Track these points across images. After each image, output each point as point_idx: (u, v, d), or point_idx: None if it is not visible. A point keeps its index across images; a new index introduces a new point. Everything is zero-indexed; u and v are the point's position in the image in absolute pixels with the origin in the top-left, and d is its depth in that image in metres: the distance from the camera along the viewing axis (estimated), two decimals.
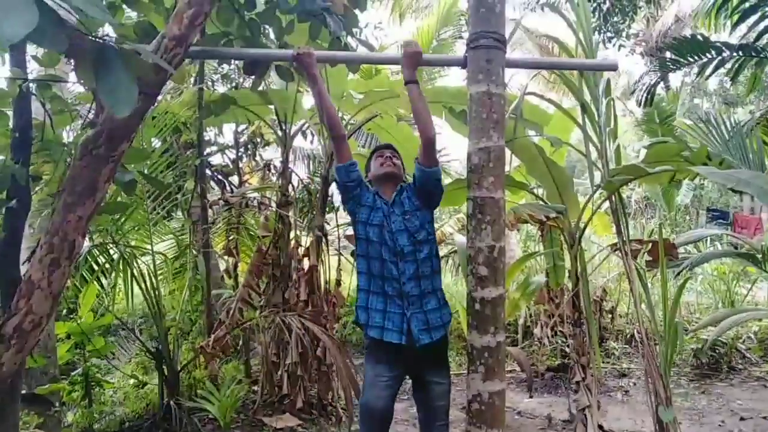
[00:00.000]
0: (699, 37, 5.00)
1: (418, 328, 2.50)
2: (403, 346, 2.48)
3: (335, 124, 2.58)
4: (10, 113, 2.29)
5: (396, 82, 4.69)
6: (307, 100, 5.17)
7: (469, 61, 2.25)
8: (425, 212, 2.63)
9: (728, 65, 5.27)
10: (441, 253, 9.97)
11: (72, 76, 5.06)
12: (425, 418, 2.61)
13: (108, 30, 2.36)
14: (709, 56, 5.02)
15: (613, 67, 2.58)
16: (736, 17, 5.35)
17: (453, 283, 8.94)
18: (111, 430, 4.02)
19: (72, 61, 3.17)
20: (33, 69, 2.82)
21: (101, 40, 1.63)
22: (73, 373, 4.16)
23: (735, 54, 4.98)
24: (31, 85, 2.26)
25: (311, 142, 6.78)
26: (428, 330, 2.52)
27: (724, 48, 4.92)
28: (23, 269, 2.20)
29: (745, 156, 4.05)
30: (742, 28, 6.15)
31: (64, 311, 4.63)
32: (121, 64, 1.56)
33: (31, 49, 2.74)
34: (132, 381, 4.71)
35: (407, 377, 2.70)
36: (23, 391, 2.38)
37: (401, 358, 2.52)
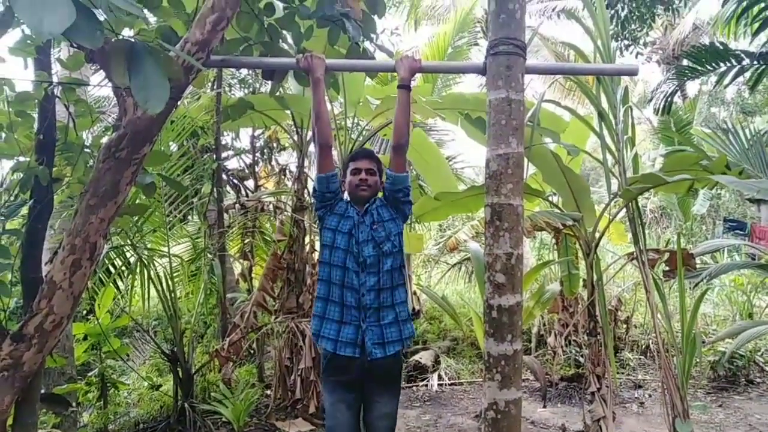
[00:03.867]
0: (718, 44, 4.96)
1: (372, 341, 2.48)
2: (357, 360, 2.47)
3: (326, 133, 2.54)
4: (35, 115, 2.33)
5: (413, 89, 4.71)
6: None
7: (488, 67, 2.24)
8: (394, 224, 2.60)
9: (747, 74, 5.22)
10: (454, 260, 9.95)
11: (94, 79, 5.15)
12: None
13: (128, 34, 2.40)
14: (728, 65, 4.98)
15: (634, 72, 2.56)
16: (756, 25, 5.30)
17: (466, 290, 8.91)
18: (125, 431, 4.04)
19: (95, 65, 3.21)
20: (55, 72, 2.87)
21: (131, 39, 1.67)
22: (89, 374, 4.20)
23: (755, 63, 4.93)
24: (55, 87, 2.30)
25: None
26: (383, 345, 2.50)
27: (743, 56, 4.87)
28: (45, 270, 2.23)
29: (764, 165, 4.00)
30: (762, 37, 6.09)
31: (85, 312, 4.68)
32: (152, 61, 1.59)
33: (55, 53, 2.79)
34: (146, 383, 4.74)
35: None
36: (42, 391, 2.41)
37: (355, 375, 2.49)
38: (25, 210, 2.38)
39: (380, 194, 2.74)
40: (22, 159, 2.31)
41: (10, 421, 2.11)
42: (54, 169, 2.34)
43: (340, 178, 2.75)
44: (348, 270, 2.51)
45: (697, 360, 5.28)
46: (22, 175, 2.24)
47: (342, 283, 2.52)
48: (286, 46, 2.96)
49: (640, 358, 6.15)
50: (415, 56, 2.61)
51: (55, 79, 2.37)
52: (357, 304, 2.50)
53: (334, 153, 3.18)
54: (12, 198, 2.42)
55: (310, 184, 5.17)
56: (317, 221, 2.72)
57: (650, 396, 5.21)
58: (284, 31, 2.85)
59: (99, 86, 4.66)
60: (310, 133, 5.05)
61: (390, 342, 2.52)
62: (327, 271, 2.56)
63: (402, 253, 2.65)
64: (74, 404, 3.87)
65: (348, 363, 2.49)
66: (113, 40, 1.72)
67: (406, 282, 2.71)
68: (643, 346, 6.29)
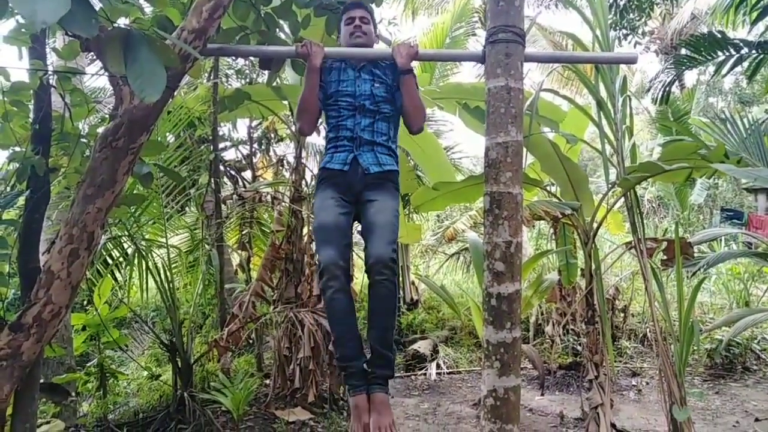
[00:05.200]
0: (716, 33, 4.94)
1: (367, 162, 2.50)
2: (347, 173, 2.48)
3: (310, 125, 2.57)
4: (30, 105, 2.32)
5: None
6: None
7: (487, 55, 2.23)
8: (396, 90, 2.59)
9: (745, 64, 5.21)
10: (452, 250, 9.96)
11: (91, 69, 5.11)
12: (365, 237, 2.43)
13: (123, 23, 2.38)
14: (727, 54, 4.97)
15: (633, 60, 2.55)
16: (755, 14, 5.28)
17: (464, 280, 8.93)
18: (125, 421, 4.05)
19: (90, 55, 3.18)
20: (51, 62, 2.85)
21: (127, 27, 1.66)
22: (88, 364, 4.21)
23: (753, 52, 4.92)
24: (50, 77, 2.29)
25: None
26: (379, 164, 2.52)
27: (742, 45, 4.86)
28: (43, 260, 2.22)
29: (762, 154, 4.00)
30: (760, 26, 6.07)
31: (85, 302, 4.67)
32: (149, 50, 1.57)
33: (50, 42, 2.76)
34: (146, 373, 4.75)
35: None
36: (41, 381, 2.41)
37: (348, 183, 2.48)
38: (22, 200, 2.37)
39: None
40: (18, 149, 2.30)
41: (9, 411, 2.12)
42: (50, 159, 2.33)
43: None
44: (342, 114, 2.54)
45: (695, 348, 5.31)
46: (18, 165, 2.23)
47: (336, 125, 2.55)
48: (283, 36, 2.94)
49: (637, 347, 6.18)
50: (412, 43, 2.59)
51: (50, 69, 2.36)
52: (350, 138, 2.53)
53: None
54: (9, 188, 2.41)
55: (308, 175, 5.17)
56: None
57: (647, 384, 5.25)
58: (281, 21, 2.83)
59: (97, 75, 4.62)
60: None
61: (385, 164, 2.54)
62: (327, 126, 2.61)
63: (398, 119, 2.65)
64: (73, 394, 3.88)
65: (340, 173, 2.50)
66: (109, 28, 1.71)
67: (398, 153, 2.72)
68: (641, 335, 6.33)
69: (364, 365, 2.36)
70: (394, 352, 2.43)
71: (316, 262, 2.45)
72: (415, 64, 2.93)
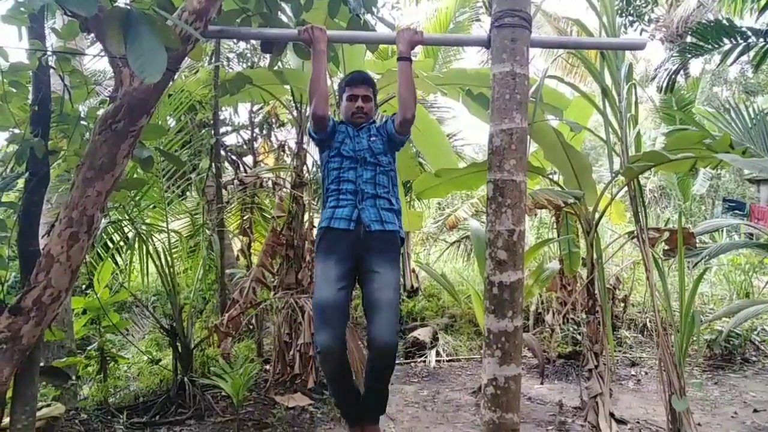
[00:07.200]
0: (724, 21, 4.87)
1: (369, 218, 2.53)
2: (351, 232, 2.50)
3: (323, 107, 2.54)
4: (30, 87, 2.29)
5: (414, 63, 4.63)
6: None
7: (493, 40, 2.19)
8: (391, 144, 2.68)
9: (752, 53, 5.15)
10: (453, 238, 9.92)
11: (91, 50, 5.05)
12: (367, 314, 2.49)
13: (123, 2, 2.34)
14: (733, 42, 4.90)
15: (641, 46, 2.51)
16: (763, 2, 5.21)
17: (464, 268, 8.94)
18: (125, 405, 4.06)
19: (90, 36, 3.14)
20: (50, 42, 2.81)
21: (127, 6, 1.63)
22: (88, 348, 4.21)
23: (761, 40, 4.86)
24: (50, 58, 2.25)
25: None
26: (381, 221, 2.54)
27: (749, 34, 4.79)
28: (42, 243, 2.21)
29: (767, 145, 3.97)
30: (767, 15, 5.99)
31: (84, 286, 4.68)
32: (149, 30, 1.55)
33: (49, 23, 2.72)
34: (146, 357, 4.76)
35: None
36: (41, 364, 2.41)
37: (350, 247, 2.50)
38: (21, 183, 2.35)
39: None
40: (17, 131, 2.28)
41: (9, 394, 2.12)
42: (50, 141, 2.30)
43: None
44: (343, 168, 2.58)
45: (694, 338, 5.32)
46: (17, 147, 2.21)
47: (338, 178, 2.58)
48: (285, 18, 2.90)
49: (636, 336, 6.19)
50: (417, 29, 2.55)
51: (49, 50, 2.32)
52: (353, 191, 2.56)
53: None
54: (8, 170, 2.39)
55: (309, 161, 5.14)
56: (317, 146, 2.80)
57: (646, 374, 5.26)
58: (283, 3, 2.79)
59: (98, 56, 4.57)
60: (309, 109, 4.99)
61: (387, 221, 2.57)
62: (326, 181, 2.64)
63: (396, 174, 2.73)
64: (74, 377, 3.89)
65: (343, 235, 2.51)
66: (108, 8, 1.68)
67: (401, 205, 2.76)
68: (640, 325, 6.33)
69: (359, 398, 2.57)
70: (387, 397, 2.59)
71: (314, 344, 2.55)
72: (418, 48, 2.90)
